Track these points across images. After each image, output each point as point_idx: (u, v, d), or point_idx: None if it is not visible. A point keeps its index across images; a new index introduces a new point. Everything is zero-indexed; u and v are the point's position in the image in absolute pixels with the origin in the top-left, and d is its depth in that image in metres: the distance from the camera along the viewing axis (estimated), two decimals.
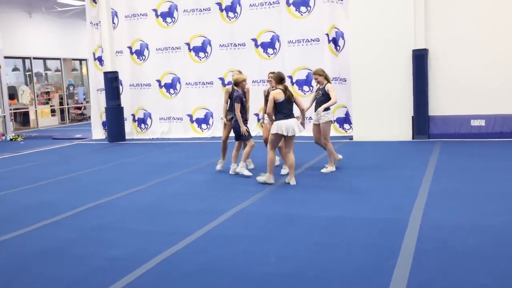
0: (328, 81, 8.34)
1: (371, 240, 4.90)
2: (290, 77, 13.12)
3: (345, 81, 12.56)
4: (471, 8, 10.76)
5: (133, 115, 14.92)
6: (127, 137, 14.53)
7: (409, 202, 6.10)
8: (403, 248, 4.57)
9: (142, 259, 4.61)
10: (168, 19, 14.12)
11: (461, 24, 10.80)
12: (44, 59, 23.03)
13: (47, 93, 24.16)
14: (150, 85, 14.58)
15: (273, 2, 13.05)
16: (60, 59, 23.34)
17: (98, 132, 15.34)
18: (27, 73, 22.70)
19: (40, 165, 10.79)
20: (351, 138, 12.01)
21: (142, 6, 14.33)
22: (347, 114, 12.75)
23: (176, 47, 14.13)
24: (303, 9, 12.82)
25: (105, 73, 13.95)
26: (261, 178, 7.58)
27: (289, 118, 7.42)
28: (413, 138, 11.26)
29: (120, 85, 14.68)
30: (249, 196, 6.85)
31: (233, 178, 8.11)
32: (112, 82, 13.84)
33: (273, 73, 8.11)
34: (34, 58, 21.97)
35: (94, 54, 15.15)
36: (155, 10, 14.19)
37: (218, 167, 8.76)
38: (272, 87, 7.82)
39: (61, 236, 5.58)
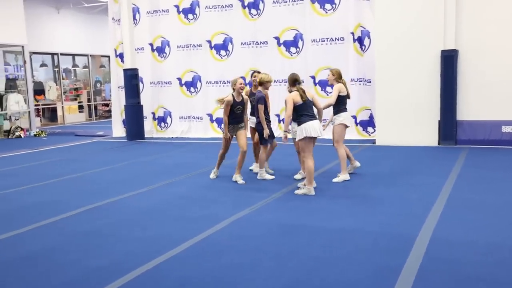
0: (339, 81, 7.88)
1: (372, 256, 4.51)
2: (313, 77, 12.75)
3: (370, 82, 12.10)
4: (507, 6, 10.16)
5: (153, 113, 14.81)
6: (146, 135, 14.42)
7: (422, 214, 5.68)
8: (406, 268, 4.17)
9: (122, 270, 4.35)
10: (190, 16, 13.93)
11: (494, 23, 10.20)
12: (72, 55, 23.19)
13: (76, 89, 24.41)
14: (171, 83, 14.42)
15: None
16: (88, 55, 23.48)
17: (118, 130, 15.27)
18: (56, 69, 22.92)
19: (55, 163, 10.72)
20: (373, 142, 11.54)
21: (164, 2, 14.18)
22: (371, 117, 12.28)
23: (197, 45, 13.92)
24: (328, 6, 12.41)
25: (125, 70, 13.85)
26: (300, 191, 7.08)
27: (314, 119, 7.05)
28: (439, 144, 10.72)
29: (141, 83, 14.61)
30: (254, 202, 6.54)
31: (237, 184, 7.80)
32: (131, 79, 13.72)
33: (258, 72, 7.89)
34: (62, 54, 22.12)
35: (115, 50, 15.08)
36: (176, 6, 14.01)
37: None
38: (288, 90, 7.50)
39: (50, 240, 5.38)
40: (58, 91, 22.28)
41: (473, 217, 5.57)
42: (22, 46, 17.64)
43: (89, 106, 24.34)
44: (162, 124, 14.77)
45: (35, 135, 17.03)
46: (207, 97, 13.89)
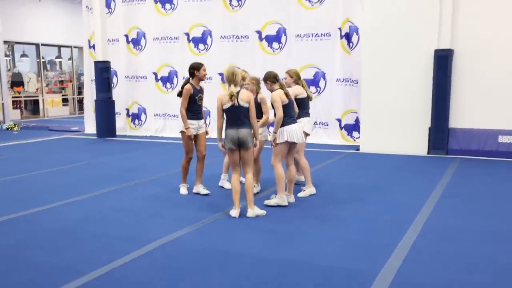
0: (298, 83, 6.81)
1: None
2: None
3: (357, 83, 11.08)
4: (509, 3, 9.11)
5: (127, 110, 13.83)
6: (119, 133, 13.46)
7: (391, 243, 4.68)
8: None
9: None
10: (167, 6, 12.93)
11: (496, 21, 9.15)
12: (55, 46, 22.22)
13: (61, 82, 23.49)
14: (146, 78, 13.44)
15: None
16: (71, 46, 22.50)
17: (90, 126, 14.26)
18: (39, 61, 21.95)
19: (2, 161, 9.72)
20: (357, 148, 10.51)
21: None
22: (357, 120, 11.25)
23: (174, 37, 12.93)
24: None
25: (96, 63, 12.87)
26: (272, 200, 6.16)
27: (295, 122, 6.15)
28: (428, 153, 9.68)
29: (115, 76, 13.64)
30: (199, 219, 5.54)
31: (193, 195, 6.79)
32: (103, 72, 12.74)
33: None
34: (43, 44, 21.14)
35: (89, 41, 14.09)
36: None
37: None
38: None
39: None
40: (39, 83, 21.29)
41: (449, 249, 4.56)
42: None
43: (73, 99, 23.40)
44: (136, 121, 13.78)
45: (7, 129, 16.09)
46: None
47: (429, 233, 5.02)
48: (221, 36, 12.39)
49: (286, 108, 6.04)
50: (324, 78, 11.55)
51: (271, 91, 6.18)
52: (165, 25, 12.95)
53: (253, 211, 5.67)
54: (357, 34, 11.02)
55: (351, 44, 11.19)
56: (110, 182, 7.51)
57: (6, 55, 21.36)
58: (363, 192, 6.81)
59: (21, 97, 21.19)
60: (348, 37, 11.18)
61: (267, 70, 11.53)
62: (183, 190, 6.79)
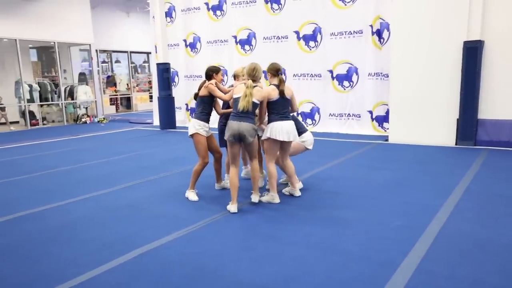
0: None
1: None
2: (331, 71, 10.20)
3: (388, 77, 9.38)
4: None
5: (187, 105, 12.89)
6: (180, 125, 12.57)
7: (394, 261, 3.26)
8: None
9: None
10: (218, 12, 11.76)
11: None
12: (142, 53, 21.79)
13: (150, 82, 23.15)
14: (201, 77, 12.35)
15: None
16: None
17: (157, 119, 13.49)
18: (130, 65, 21.68)
19: (64, 153, 8.89)
20: (386, 139, 8.90)
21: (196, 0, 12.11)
22: (387, 112, 9.54)
23: (224, 40, 11.75)
24: None
25: (158, 64, 12.01)
26: (265, 197, 4.93)
27: (285, 119, 4.80)
28: (456, 144, 7.92)
29: (176, 76, 12.75)
30: (194, 221, 4.36)
31: (204, 192, 5.60)
32: (163, 73, 11.86)
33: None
34: (132, 52, 20.77)
35: (156, 47, 13.20)
36: (206, 4, 11.89)
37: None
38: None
39: None
40: (128, 83, 21.04)
41: (467, 279, 3.08)
42: (89, 45, 16.34)
43: None
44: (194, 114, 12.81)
45: (98, 121, 15.78)
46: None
47: (441, 247, 3.52)
48: (264, 37, 11.07)
49: (274, 104, 4.74)
50: (357, 73, 9.94)
51: (270, 84, 4.87)
52: (216, 29, 11.81)
53: (258, 197, 4.75)
54: (388, 30, 9.30)
55: (382, 40, 9.50)
56: (141, 174, 6.51)
57: (105, 62, 21.32)
58: (380, 188, 5.32)
59: (117, 94, 21.03)
60: (379, 33, 9.49)
61: (305, 67, 10.23)
62: (193, 196, 5.12)
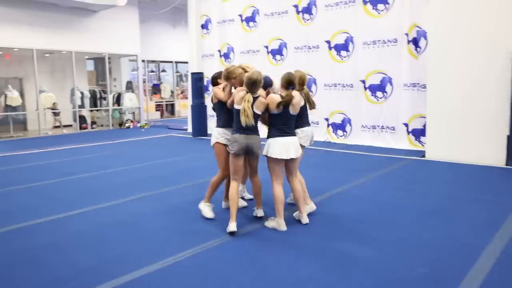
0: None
1: None
2: (363, 82, 8.86)
3: (425, 87, 7.92)
4: None
5: None
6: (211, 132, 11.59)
7: None
8: None
9: None
10: (251, 24, 10.72)
11: None
12: (184, 62, 21.14)
13: None
14: None
15: (349, 0, 8.84)
16: None
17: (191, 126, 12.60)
18: (176, 74, 21.14)
19: (94, 158, 8.11)
20: (423, 155, 7.44)
21: (230, 12, 11.16)
22: (425, 125, 8.08)
23: (256, 50, 10.69)
24: (380, 6, 8.42)
25: (192, 74, 11.14)
26: (270, 223, 3.92)
27: (287, 135, 3.81)
28: (506, 165, 6.39)
29: (211, 85, 11.78)
30: (185, 247, 3.35)
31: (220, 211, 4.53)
32: (197, 81, 10.96)
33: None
34: (177, 62, 20.17)
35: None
36: (240, 16, 10.89)
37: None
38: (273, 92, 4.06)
39: None
40: (170, 91, 20.51)
41: None
42: (136, 56, 15.83)
43: None
44: None
45: (140, 127, 15.17)
46: None
47: None
48: (295, 47, 9.90)
49: (274, 118, 3.80)
50: (391, 83, 8.53)
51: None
52: (248, 40, 10.79)
53: (262, 211, 4.06)
54: (425, 38, 7.87)
55: (418, 49, 8.06)
56: (151, 186, 5.58)
57: (153, 71, 20.90)
58: (408, 218, 4.07)
59: (162, 101, 20.55)
60: (415, 41, 8.06)
61: (336, 76, 8.94)
62: (208, 211, 4.15)
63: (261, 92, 3.90)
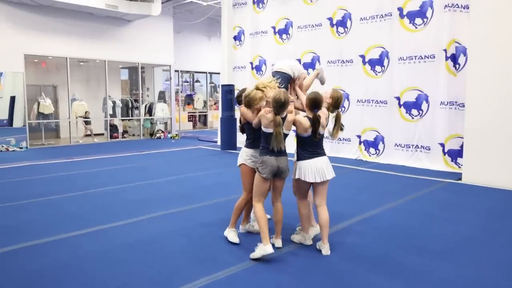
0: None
1: None
2: (398, 98, 8.67)
3: (463, 106, 7.65)
4: None
5: None
6: (241, 145, 11.63)
7: None
8: None
9: None
10: (284, 36, 10.78)
11: None
12: (218, 73, 21.50)
13: None
14: None
15: (385, 14, 8.72)
16: None
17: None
18: (210, 85, 21.51)
19: (121, 170, 8.31)
20: (459, 177, 7.16)
21: (264, 24, 11.26)
22: (463, 146, 7.79)
23: None
24: (418, 21, 8.24)
25: (222, 86, 11.29)
26: (296, 236, 4.01)
27: (316, 156, 3.80)
28: None
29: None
30: (209, 272, 3.34)
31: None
32: (227, 94, 11.10)
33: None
34: (210, 72, 20.54)
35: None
36: (273, 27, 10.98)
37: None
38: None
39: None
40: (203, 102, 20.81)
41: None
42: (169, 66, 16.27)
43: None
44: None
45: (171, 137, 15.50)
46: None
47: None
48: (328, 61, 9.84)
49: (305, 140, 3.82)
50: (427, 101, 8.30)
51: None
52: (281, 52, 10.82)
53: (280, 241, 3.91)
54: (465, 55, 7.62)
55: (457, 66, 7.81)
56: (180, 202, 5.66)
57: (186, 81, 21.37)
58: (436, 251, 3.88)
59: (195, 112, 20.91)
60: (454, 58, 7.82)
61: (370, 92, 8.82)
62: (233, 236, 4.09)
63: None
